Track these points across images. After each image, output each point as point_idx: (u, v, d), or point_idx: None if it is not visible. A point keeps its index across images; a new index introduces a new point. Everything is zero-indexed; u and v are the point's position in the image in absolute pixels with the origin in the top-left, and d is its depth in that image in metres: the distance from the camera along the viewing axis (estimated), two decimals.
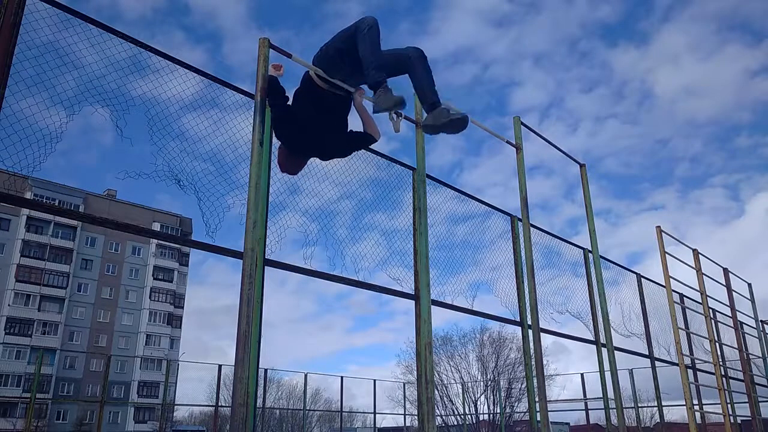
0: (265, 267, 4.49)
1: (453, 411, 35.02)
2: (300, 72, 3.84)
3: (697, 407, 9.38)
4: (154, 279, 60.10)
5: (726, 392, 8.98)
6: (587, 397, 17.86)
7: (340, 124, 3.90)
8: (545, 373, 5.41)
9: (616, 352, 6.64)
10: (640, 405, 19.83)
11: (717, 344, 9.35)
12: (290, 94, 3.81)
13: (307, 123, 3.69)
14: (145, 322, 58.28)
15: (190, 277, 64.86)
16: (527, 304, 6.94)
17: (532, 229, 5.84)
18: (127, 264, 59.17)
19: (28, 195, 43.66)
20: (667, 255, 7.24)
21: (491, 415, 33.20)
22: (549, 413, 5.08)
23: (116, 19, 72.89)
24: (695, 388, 11.16)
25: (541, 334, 5.72)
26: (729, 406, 9.49)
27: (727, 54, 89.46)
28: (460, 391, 34.05)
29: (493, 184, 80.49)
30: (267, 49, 3.53)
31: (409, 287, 5.62)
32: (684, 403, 6.84)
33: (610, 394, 7.41)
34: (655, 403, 12.30)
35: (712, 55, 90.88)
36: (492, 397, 34.95)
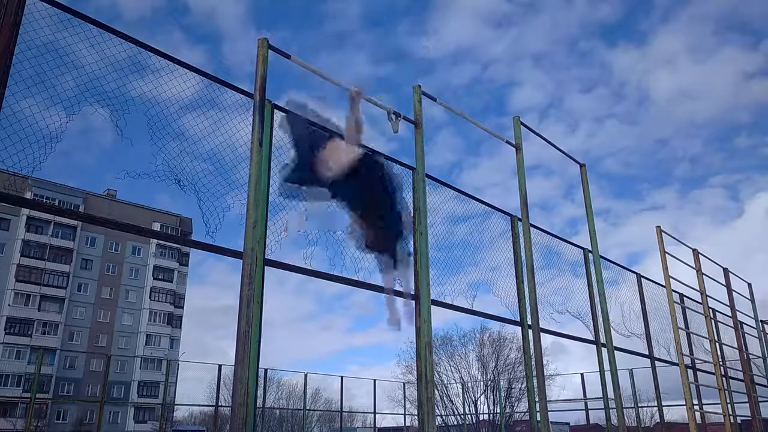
0: (265, 267, 4.49)
1: (453, 411, 35.03)
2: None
3: (697, 407, 9.37)
4: (154, 279, 60.07)
5: (726, 392, 8.98)
6: (587, 397, 17.86)
7: None
8: (545, 373, 5.41)
9: (616, 352, 6.64)
10: (640, 405, 19.83)
11: (717, 344, 9.34)
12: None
13: None
14: (145, 322, 58.25)
15: (190, 277, 64.86)
16: (527, 304, 6.94)
17: (532, 229, 5.84)
18: (127, 264, 59.15)
19: (28, 195, 43.65)
20: (667, 255, 7.24)
21: (491, 415, 33.20)
22: (549, 413, 5.08)
23: (116, 20, 72.85)
24: (695, 388, 11.15)
25: (541, 334, 5.72)
26: (729, 406, 9.48)
27: (725, 55, 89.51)
28: (460, 391, 34.11)
29: (492, 184, 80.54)
30: (266, 49, 3.53)
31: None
32: (684, 403, 6.84)
33: (610, 394, 7.41)
34: (655, 403, 12.31)
35: (711, 56, 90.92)
36: (492, 397, 34.97)
